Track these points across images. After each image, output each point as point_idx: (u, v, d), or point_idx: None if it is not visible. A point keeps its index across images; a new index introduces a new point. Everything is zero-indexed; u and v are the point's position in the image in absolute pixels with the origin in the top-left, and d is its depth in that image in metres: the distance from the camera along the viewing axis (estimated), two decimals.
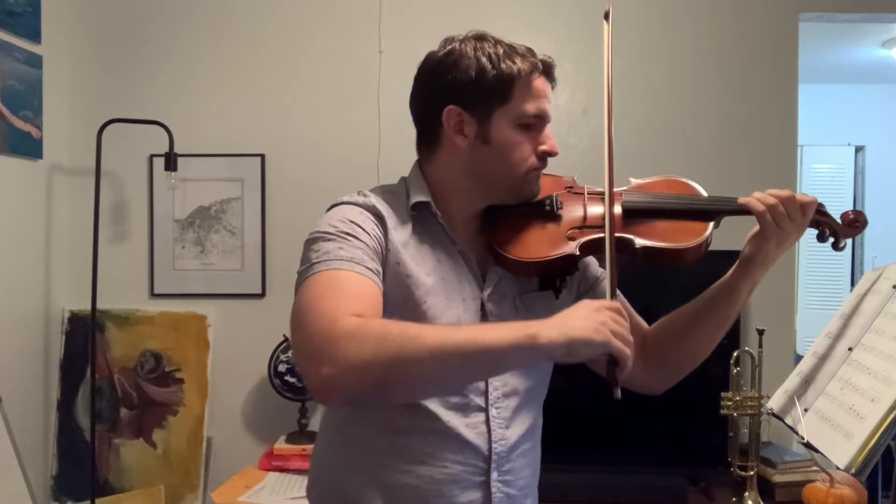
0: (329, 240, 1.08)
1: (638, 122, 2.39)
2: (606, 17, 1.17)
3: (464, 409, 1.14)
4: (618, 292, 1.30)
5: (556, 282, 1.20)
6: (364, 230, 1.10)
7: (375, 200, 1.15)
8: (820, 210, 1.19)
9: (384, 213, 1.14)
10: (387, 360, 0.93)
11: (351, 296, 1.01)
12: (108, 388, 2.40)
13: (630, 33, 2.40)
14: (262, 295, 2.45)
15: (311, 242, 1.10)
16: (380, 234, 1.12)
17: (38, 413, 2.37)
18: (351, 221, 1.10)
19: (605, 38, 1.16)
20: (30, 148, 2.28)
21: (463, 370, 0.98)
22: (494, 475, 1.16)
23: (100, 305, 2.30)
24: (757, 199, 1.16)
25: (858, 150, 4.94)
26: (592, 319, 0.95)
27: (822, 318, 1.88)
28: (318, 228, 1.11)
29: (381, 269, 1.10)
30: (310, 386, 0.98)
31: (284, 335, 2.30)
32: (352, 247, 1.07)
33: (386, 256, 1.11)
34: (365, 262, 1.07)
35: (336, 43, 2.45)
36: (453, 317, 1.13)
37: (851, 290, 1.43)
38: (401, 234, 1.14)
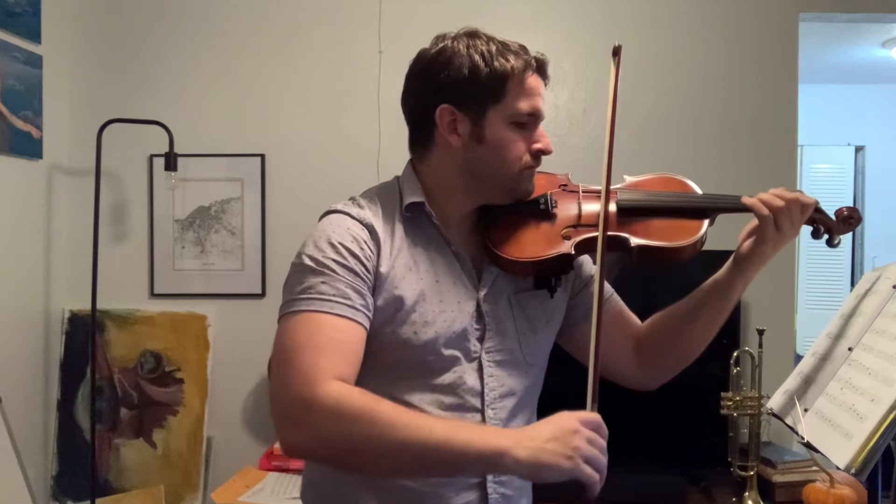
0: (315, 272, 1.06)
1: (638, 122, 2.39)
2: (616, 53, 1.15)
3: (460, 409, 1.13)
4: (611, 291, 1.31)
5: (552, 281, 1.20)
6: (352, 253, 1.08)
7: (369, 209, 1.14)
8: (816, 208, 1.19)
9: (377, 224, 1.12)
10: (351, 445, 0.96)
11: (333, 351, 1.01)
12: (108, 388, 2.40)
13: (630, 33, 2.40)
14: (262, 295, 2.45)
15: (298, 269, 1.09)
16: (370, 252, 1.10)
17: (38, 413, 2.37)
18: (340, 244, 1.08)
19: (612, 76, 1.14)
20: (30, 148, 2.28)
21: (421, 468, 1.01)
22: (490, 476, 1.15)
23: (100, 305, 2.30)
24: (764, 202, 1.14)
25: (858, 150, 4.94)
26: (566, 444, 0.93)
27: (822, 318, 1.88)
28: (306, 251, 1.09)
29: (367, 299, 1.08)
30: (278, 437, 1.02)
31: None
32: (337, 280, 1.06)
33: (376, 275, 1.10)
34: (349, 299, 1.05)
35: (336, 43, 2.45)
36: (445, 321, 1.12)
37: (851, 290, 1.43)
38: (394, 242, 1.13)
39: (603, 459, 0.95)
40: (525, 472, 0.94)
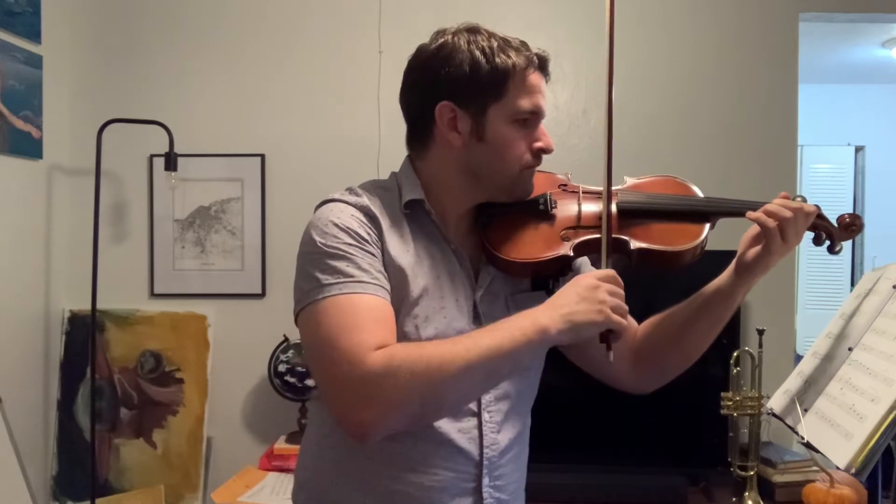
0: (333, 255, 1.05)
1: (638, 122, 2.39)
2: None
3: (456, 413, 1.12)
4: None
5: (549, 282, 1.19)
6: (360, 236, 1.07)
7: (368, 199, 1.12)
8: (818, 214, 1.17)
9: (377, 213, 1.11)
10: (422, 394, 0.98)
11: (369, 326, 1.01)
12: (108, 388, 2.40)
13: (630, 33, 2.40)
14: (262, 295, 2.45)
15: (312, 256, 1.06)
16: (375, 238, 1.09)
17: (38, 413, 2.37)
18: (348, 228, 1.07)
19: (606, 12, 1.12)
20: (30, 148, 2.28)
21: (487, 380, 1.05)
22: (486, 481, 1.14)
23: (100, 305, 2.30)
24: (770, 213, 1.11)
25: (858, 150, 4.94)
26: (592, 300, 1.02)
27: (822, 318, 1.88)
28: (316, 238, 1.07)
29: (385, 277, 1.07)
30: (347, 428, 1.01)
31: (284, 335, 2.30)
32: (357, 259, 1.05)
33: (383, 259, 1.09)
34: (373, 277, 1.05)
35: (336, 43, 2.45)
36: (445, 318, 1.11)
37: (851, 291, 1.43)
38: (394, 235, 1.11)
39: (625, 306, 1.04)
40: (567, 338, 1.02)
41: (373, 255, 1.07)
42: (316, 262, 1.06)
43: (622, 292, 1.05)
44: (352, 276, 1.03)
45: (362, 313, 1.01)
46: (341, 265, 1.04)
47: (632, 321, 1.29)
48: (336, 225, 1.07)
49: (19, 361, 2.28)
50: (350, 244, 1.06)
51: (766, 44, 2.40)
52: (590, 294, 1.02)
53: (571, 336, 1.01)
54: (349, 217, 1.09)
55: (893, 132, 4.84)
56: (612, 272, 1.06)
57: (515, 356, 1.01)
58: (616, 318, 1.02)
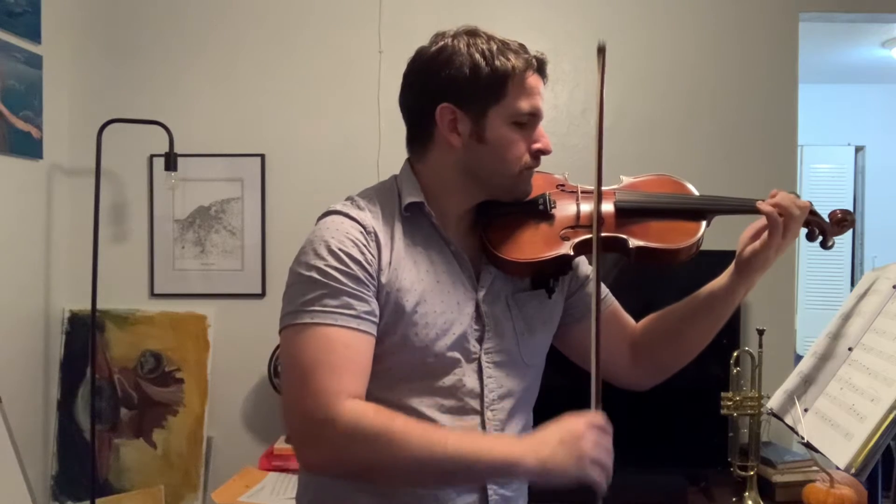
0: (318, 282, 1.05)
1: (637, 122, 2.39)
2: (601, 51, 1.11)
3: (459, 412, 1.12)
4: (606, 292, 1.31)
5: (550, 281, 1.20)
6: (354, 259, 1.07)
7: (369, 211, 1.13)
8: (811, 210, 1.20)
9: (377, 226, 1.11)
10: (370, 464, 1.00)
11: (345, 368, 1.03)
12: (108, 388, 2.40)
13: (630, 33, 2.40)
14: (262, 295, 2.45)
15: (299, 278, 1.08)
16: (372, 256, 1.09)
17: (38, 413, 2.37)
18: (340, 250, 1.07)
19: (598, 75, 1.11)
20: (30, 148, 2.28)
21: (436, 481, 1.05)
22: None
23: (100, 305, 2.30)
24: (779, 206, 1.15)
25: (858, 150, 4.94)
26: (574, 448, 0.98)
27: (822, 318, 1.88)
28: (307, 259, 1.08)
29: (372, 305, 1.07)
30: (297, 456, 1.07)
31: None
32: (341, 290, 1.05)
33: (378, 276, 1.09)
34: (353, 309, 1.05)
35: (336, 43, 2.45)
36: (448, 321, 1.12)
37: (851, 290, 1.43)
38: (394, 243, 1.12)
39: (608, 460, 0.99)
40: (534, 478, 0.99)
41: (360, 280, 1.07)
42: (301, 285, 1.07)
43: (609, 443, 1.00)
44: (327, 306, 1.04)
45: (338, 350, 1.03)
46: (322, 293, 1.05)
47: (629, 318, 1.30)
48: (329, 248, 1.07)
49: (19, 361, 2.28)
50: (338, 269, 1.06)
51: (766, 44, 2.40)
52: (572, 441, 0.98)
53: (542, 478, 0.98)
54: (344, 236, 1.08)
55: (893, 132, 4.84)
56: (601, 419, 1.02)
57: (474, 472, 1.01)
58: (593, 472, 0.97)
